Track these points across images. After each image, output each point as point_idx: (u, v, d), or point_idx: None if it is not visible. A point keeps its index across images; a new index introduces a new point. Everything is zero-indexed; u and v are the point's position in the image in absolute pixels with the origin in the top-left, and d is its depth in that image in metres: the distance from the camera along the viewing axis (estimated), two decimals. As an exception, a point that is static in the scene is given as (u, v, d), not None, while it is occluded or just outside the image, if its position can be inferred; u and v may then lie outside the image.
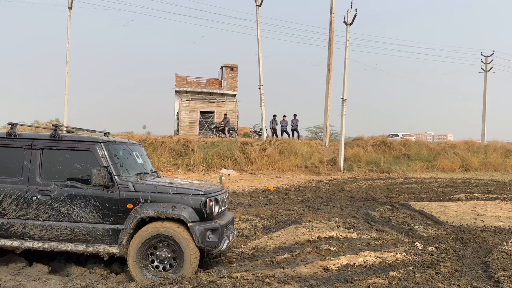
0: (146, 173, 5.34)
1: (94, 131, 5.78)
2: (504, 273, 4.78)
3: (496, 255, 5.60)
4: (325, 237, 6.27)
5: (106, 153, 4.73)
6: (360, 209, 9.60)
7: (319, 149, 21.30)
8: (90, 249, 4.58)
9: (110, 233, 4.57)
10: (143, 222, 4.55)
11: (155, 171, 5.75)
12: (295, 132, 24.50)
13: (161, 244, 4.50)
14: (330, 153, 20.89)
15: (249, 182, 14.89)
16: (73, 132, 5.75)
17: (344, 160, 19.55)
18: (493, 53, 32.79)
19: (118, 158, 4.84)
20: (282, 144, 19.63)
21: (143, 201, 4.57)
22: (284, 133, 24.16)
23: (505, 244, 6.30)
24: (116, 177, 4.64)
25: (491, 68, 32.62)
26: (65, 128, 5.89)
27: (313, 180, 16.36)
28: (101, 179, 4.46)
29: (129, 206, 4.59)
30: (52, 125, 5.03)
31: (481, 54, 33.04)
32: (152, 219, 4.53)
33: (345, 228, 7.17)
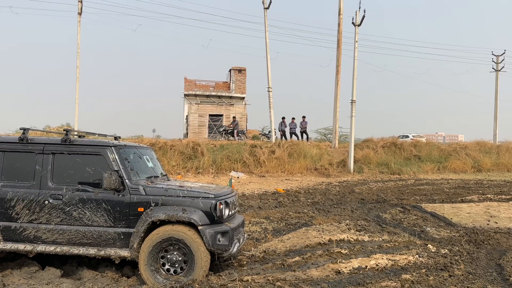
0: (156, 177, 5.35)
1: (105, 135, 5.83)
2: (519, 275, 4.69)
3: (511, 257, 5.51)
4: (336, 239, 6.22)
5: (117, 157, 4.76)
6: (371, 211, 9.52)
7: (328, 151, 21.19)
8: (102, 252, 4.60)
9: (121, 237, 4.59)
10: (154, 226, 4.56)
11: (165, 175, 5.77)
12: (304, 134, 24.42)
13: (172, 248, 4.50)
14: (340, 155, 20.77)
15: (258, 185, 14.86)
16: (83, 136, 5.80)
17: (354, 162, 19.41)
18: (504, 53, 32.38)
19: (128, 162, 4.87)
20: (291, 146, 19.57)
21: (153, 204, 4.58)
22: (293, 135, 24.11)
23: (519, 246, 6.19)
24: (127, 180, 4.66)
25: (503, 67, 32.23)
26: (76, 133, 5.95)
27: (322, 182, 16.28)
28: (112, 183, 4.49)
29: (140, 209, 4.60)
30: (63, 130, 5.08)
31: (492, 54, 32.67)
32: (162, 223, 4.54)
33: (356, 230, 7.11)
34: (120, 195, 4.62)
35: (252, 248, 6.06)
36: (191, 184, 5.36)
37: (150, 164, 5.48)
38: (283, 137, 23.83)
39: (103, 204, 4.63)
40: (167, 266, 4.52)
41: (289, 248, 5.97)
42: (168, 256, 4.51)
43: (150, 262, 4.46)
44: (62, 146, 4.86)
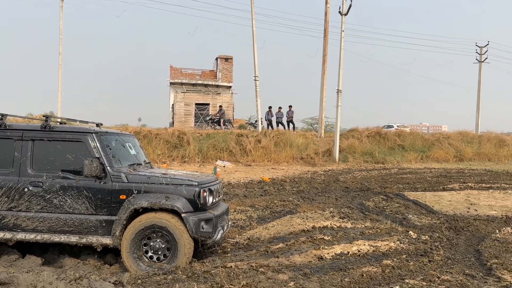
0: (139, 164, 5.30)
1: (86, 122, 5.73)
2: (496, 260, 4.81)
3: (489, 243, 5.64)
4: (320, 226, 6.28)
5: (98, 144, 4.69)
6: (354, 199, 9.63)
7: (314, 140, 21.31)
8: (83, 240, 4.56)
9: (103, 224, 4.55)
10: (136, 213, 4.53)
11: (149, 162, 5.72)
12: (290, 123, 24.49)
13: (155, 235, 4.48)
14: (326, 144, 20.91)
15: (244, 174, 14.89)
16: (65, 123, 5.69)
17: (339, 151, 19.59)
18: (487, 44, 32.85)
19: (110, 149, 4.80)
20: (277, 136, 19.62)
21: (136, 192, 4.54)
22: (280, 125, 24.15)
23: (497, 232, 6.35)
24: (108, 168, 4.60)
25: (486, 58, 32.68)
26: (58, 119, 5.83)
27: (308, 171, 16.39)
28: (93, 170, 4.43)
29: (122, 197, 4.56)
30: (43, 116, 4.97)
31: (476, 45, 33.10)
32: (145, 210, 4.52)
33: (340, 218, 7.19)
34: (102, 183, 4.57)
35: (237, 236, 6.08)
36: (174, 172, 5.33)
37: (132, 152, 5.41)
38: (270, 127, 23.85)
39: (84, 191, 4.57)
40: (150, 254, 4.51)
41: (273, 235, 6.01)
42: (151, 244, 4.49)
43: (133, 250, 4.44)
44: (41, 132, 4.76)
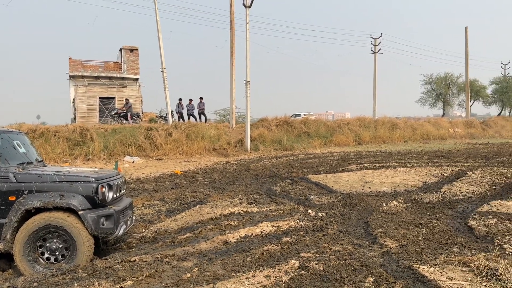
0: (30, 163, 4.96)
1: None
2: (381, 230, 5.44)
3: (376, 216, 6.32)
4: (227, 213, 6.47)
5: (-21, 143, 4.30)
6: (263, 185, 10.03)
7: (226, 131, 21.57)
8: (-32, 247, 4.17)
9: None
10: (28, 214, 4.27)
11: (41, 160, 5.37)
12: (202, 115, 24.45)
13: (50, 235, 4.28)
14: (237, 134, 21.30)
15: (155, 168, 14.56)
16: None
17: (251, 141, 20.10)
18: (381, 36, 36.01)
19: (-6, 148, 4.43)
20: (188, 128, 19.47)
21: (26, 192, 4.28)
22: (191, 117, 23.98)
23: (384, 205, 7.13)
24: (-7, 168, 4.25)
25: (380, 49, 35.84)
26: None
27: (221, 161, 16.58)
28: (-26, 171, 4.06)
29: (11, 198, 4.29)
30: None
31: (371, 37, 36.09)
32: (38, 210, 4.27)
33: (248, 203, 7.46)
34: None
35: (143, 230, 6.01)
36: (70, 169, 5.09)
37: (22, 150, 5.04)
38: (181, 119, 23.56)
39: None
40: (46, 255, 4.30)
41: (181, 226, 6.06)
42: (47, 245, 4.29)
43: (27, 253, 4.21)
44: None
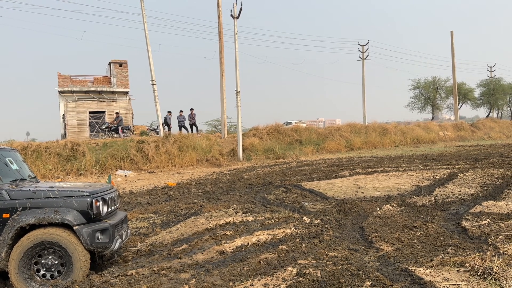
0: (23, 180, 4.93)
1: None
2: (376, 234, 5.48)
3: (371, 220, 6.37)
4: (223, 223, 6.46)
5: (-29, 161, 4.26)
6: (258, 194, 10.04)
7: (218, 141, 21.57)
8: (-38, 267, 4.12)
9: None
10: (23, 231, 4.23)
11: (34, 177, 5.34)
12: (193, 126, 24.43)
13: (46, 252, 4.24)
14: (230, 144, 21.31)
15: (148, 181, 14.49)
16: None
17: (243, 150, 20.11)
18: (368, 42, 36.51)
19: (-14, 165, 4.40)
20: (180, 140, 19.43)
21: (20, 208, 4.25)
22: (182, 128, 23.94)
23: (378, 210, 7.19)
24: (-15, 186, 4.21)
25: (367, 56, 36.30)
26: None
27: (214, 172, 16.55)
28: (-34, 190, 4.02)
29: (5, 215, 4.25)
30: None
31: (358, 44, 36.58)
32: (33, 227, 4.24)
33: (243, 213, 7.46)
34: None
35: (139, 243, 5.97)
36: (63, 184, 5.06)
37: (14, 167, 5.01)
38: (169, 130, 23.51)
39: None
40: (42, 272, 4.25)
41: (177, 238, 6.03)
42: (43, 261, 4.24)
43: (22, 270, 4.16)
44: None
